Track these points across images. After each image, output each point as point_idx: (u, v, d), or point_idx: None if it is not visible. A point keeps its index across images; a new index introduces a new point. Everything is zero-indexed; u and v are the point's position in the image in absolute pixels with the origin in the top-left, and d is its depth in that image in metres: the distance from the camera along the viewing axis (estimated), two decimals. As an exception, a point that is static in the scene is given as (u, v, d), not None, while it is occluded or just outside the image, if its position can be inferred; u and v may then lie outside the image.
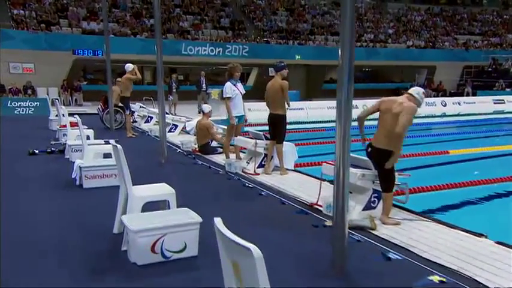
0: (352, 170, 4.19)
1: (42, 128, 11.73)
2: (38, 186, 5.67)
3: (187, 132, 10.33)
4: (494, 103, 22.45)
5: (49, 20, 22.06)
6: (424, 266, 3.24)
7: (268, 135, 6.39)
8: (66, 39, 21.43)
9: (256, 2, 30.66)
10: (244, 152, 7.23)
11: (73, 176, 5.56)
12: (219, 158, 7.56)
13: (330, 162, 4.55)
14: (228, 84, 6.86)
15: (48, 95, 20.48)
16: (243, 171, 6.41)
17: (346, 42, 2.87)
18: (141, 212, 3.53)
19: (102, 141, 7.40)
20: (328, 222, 4.06)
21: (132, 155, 8.01)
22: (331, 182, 4.67)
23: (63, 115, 10.17)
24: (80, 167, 5.42)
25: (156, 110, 12.52)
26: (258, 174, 6.26)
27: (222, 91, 18.01)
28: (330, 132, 14.33)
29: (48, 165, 6.99)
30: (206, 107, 8.10)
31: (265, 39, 27.11)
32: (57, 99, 20.50)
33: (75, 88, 21.28)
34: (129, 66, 10.28)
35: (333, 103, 15.99)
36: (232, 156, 7.04)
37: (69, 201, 5.03)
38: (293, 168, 6.50)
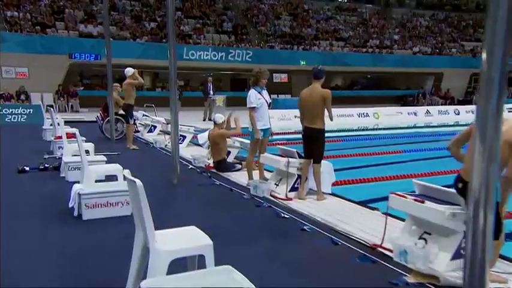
0: (437, 206, 3.23)
1: (35, 138, 10.69)
2: (26, 218, 4.62)
3: (199, 145, 9.31)
4: (509, 111, 21.58)
5: (44, 22, 21.06)
6: None
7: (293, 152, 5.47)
8: (62, 42, 20.43)
9: (258, 6, 29.83)
10: (269, 169, 6.25)
11: (70, 205, 4.52)
12: (239, 177, 6.57)
13: (400, 194, 3.58)
14: (253, 92, 5.89)
15: (42, 101, 19.42)
16: (271, 195, 5.42)
17: (499, 42, 1.90)
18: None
19: (103, 157, 6.38)
20: (411, 278, 3.07)
21: (136, 172, 6.98)
22: (389, 215, 3.71)
23: (58, 124, 9.15)
24: (79, 194, 4.40)
25: (160, 119, 11.57)
26: (291, 199, 5.26)
27: (224, 98, 17.33)
28: (347, 142, 13.63)
29: (40, 187, 5.95)
30: (219, 117, 7.10)
31: (269, 44, 26.21)
32: (52, 105, 19.57)
33: (71, 94, 20.25)
34: (129, 71, 9.30)
35: (344, 111, 14.94)
36: (254, 174, 6.05)
37: (65, 240, 4.01)
38: (330, 192, 5.51)
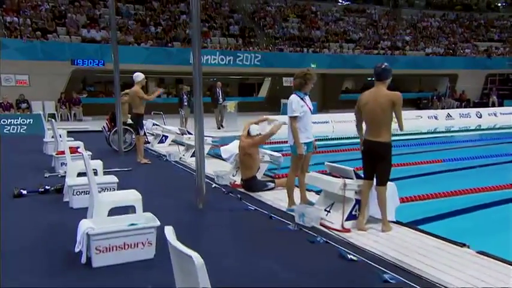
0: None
1: (35, 152, 9.70)
2: (18, 268, 3.59)
3: (221, 158, 8.27)
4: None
5: (45, 27, 20.15)
6: None
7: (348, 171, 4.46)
8: (64, 48, 19.50)
9: (265, 9, 28.92)
10: (312, 190, 5.25)
11: (77, 250, 3.50)
12: (274, 198, 5.57)
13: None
14: (295, 98, 4.90)
15: (44, 109, 18.50)
16: (321, 224, 4.41)
17: None
18: None
19: (114, 178, 5.38)
20: None
21: (153, 193, 5.77)
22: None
23: (60, 136, 8.19)
24: (88, 235, 3.40)
25: (172, 128, 10.62)
26: (349, 230, 4.24)
27: (236, 104, 16.36)
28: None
29: (39, 218, 4.92)
30: (255, 130, 6.09)
31: (278, 47, 25.26)
32: (54, 114, 18.66)
33: (74, 101, 19.30)
34: (138, 76, 8.34)
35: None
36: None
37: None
38: (394, 220, 4.48)
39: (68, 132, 10.22)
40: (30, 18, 20.38)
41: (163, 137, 10.58)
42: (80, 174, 5.68)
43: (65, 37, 20.37)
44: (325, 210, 4.53)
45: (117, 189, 5.28)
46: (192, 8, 5.25)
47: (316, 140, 5.14)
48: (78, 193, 5.16)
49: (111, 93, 22.77)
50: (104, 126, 9.91)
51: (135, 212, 3.94)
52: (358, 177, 4.36)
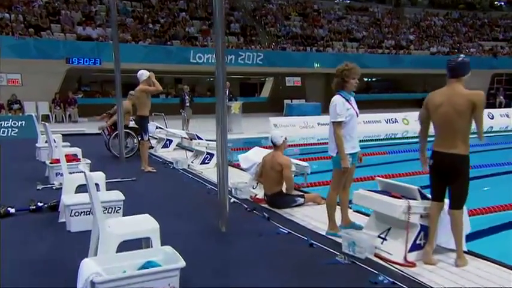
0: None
1: (27, 158, 8.81)
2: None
3: (242, 169, 7.40)
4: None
5: (39, 24, 19.21)
6: None
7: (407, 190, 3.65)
8: (59, 45, 18.58)
9: (266, 7, 28.11)
10: (359, 210, 4.43)
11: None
12: (305, 216, 4.77)
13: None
14: (339, 99, 4.07)
15: (37, 110, 17.59)
16: (376, 256, 3.60)
17: None
18: None
19: (119, 194, 4.53)
20: None
21: (163, 211, 4.80)
22: None
23: (54, 141, 7.32)
24: (94, 283, 2.55)
25: (177, 132, 9.80)
26: (414, 264, 3.42)
27: (240, 105, 15.55)
28: (394, 155, 11.69)
29: (29, 247, 4.05)
30: (278, 136, 5.23)
31: (281, 45, 24.46)
32: (48, 115, 17.75)
33: (70, 102, 18.37)
34: (143, 74, 7.48)
35: (370, 116, 12.98)
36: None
37: None
38: (466, 249, 3.66)
39: (63, 135, 9.37)
40: (23, 15, 19.43)
41: (168, 141, 9.73)
42: (79, 186, 4.84)
43: (59, 34, 19.46)
44: (380, 237, 3.71)
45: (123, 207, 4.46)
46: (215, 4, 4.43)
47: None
48: (77, 214, 4.31)
49: (108, 94, 21.92)
50: (103, 130, 9.05)
51: (148, 245, 3.11)
52: (423, 197, 3.54)
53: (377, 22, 30.50)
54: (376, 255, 3.60)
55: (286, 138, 5.22)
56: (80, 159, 6.70)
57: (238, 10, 26.76)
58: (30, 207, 4.99)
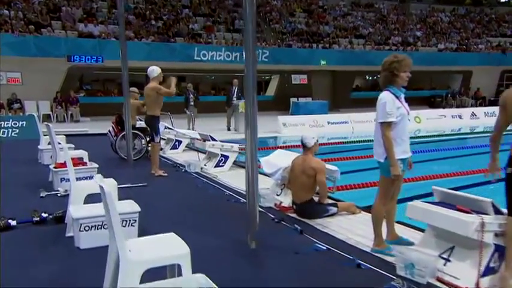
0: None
1: (29, 161, 8.30)
2: None
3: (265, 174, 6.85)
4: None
5: (39, 21, 18.67)
6: None
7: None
8: (60, 43, 18.05)
9: (271, 3, 27.55)
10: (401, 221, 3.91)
11: None
12: (340, 228, 4.26)
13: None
14: (389, 96, 3.54)
15: (38, 110, 17.08)
16: (439, 280, 3.08)
17: None
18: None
19: (135, 206, 4.02)
20: None
21: (181, 222, 4.43)
22: None
23: (59, 143, 6.83)
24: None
25: (187, 131, 9.30)
26: (487, 291, 2.93)
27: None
28: (420, 155, 10.84)
29: (31, 268, 3.53)
30: (309, 137, 4.70)
31: (287, 42, 23.92)
32: (49, 115, 17.25)
33: (71, 101, 17.85)
34: (154, 70, 6.97)
35: None
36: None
37: None
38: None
39: (66, 135, 8.86)
40: (22, 11, 18.89)
41: (177, 142, 9.22)
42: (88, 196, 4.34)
43: (60, 32, 18.92)
44: (441, 257, 3.20)
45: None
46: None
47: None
48: (87, 228, 3.80)
49: (111, 92, 21.41)
50: (109, 131, 8.53)
51: (174, 271, 2.61)
52: (497, 212, 3.03)
53: (383, 18, 29.96)
54: (439, 280, 3.09)
55: (317, 140, 4.69)
56: (86, 162, 6.20)
57: (242, 6, 26.17)
58: (34, 219, 4.47)
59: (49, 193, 5.72)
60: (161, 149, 8.88)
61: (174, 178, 6.91)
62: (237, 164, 7.54)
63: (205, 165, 7.41)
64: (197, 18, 23.72)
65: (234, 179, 6.65)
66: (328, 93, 24.34)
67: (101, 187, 2.56)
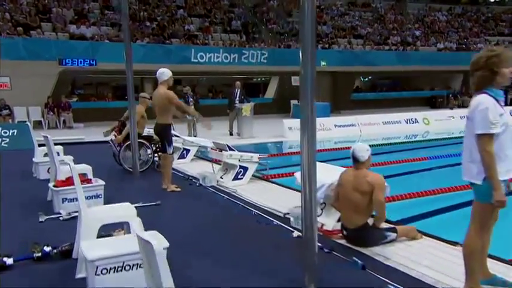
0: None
1: (22, 175, 7.46)
2: None
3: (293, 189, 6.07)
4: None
5: (28, 23, 17.76)
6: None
7: None
8: (50, 45, 17.15)
9: (267, 3, 26.87)
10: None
11: None
12: (408, 261, 3.55)
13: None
14: (489, 100, 2.81)
15: (28, 116, 16.18)
16: None
17: None
18: None
19: (163, 241, 3.27)
20: None
21: (211, 253, 3.61)
22: None
23: (58, 155, 6.04)
24: None
25: (197, 139, 8.55)
26: None
27: (252, 106, 14.31)
28: (436, 161, 10.32)
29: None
30: (363, 149, 3.96)
31: (286, 43, 23.26)
32: (40, 121, 16.34)
33: (63, 106, 16.96)
34: (164, 73, 6.20)
35: (389, 117, 11.60)
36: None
37: None
38: None
39: (60, 144, 8.05)
40: (10, 12, 17.95)
41: (185, 151, 8.45)
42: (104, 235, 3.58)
43: (50, 34, 18.02)
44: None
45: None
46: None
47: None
48: (104, 271, 3.04)
49: (104, 97, 20.54)
50: (112, 140, 7.73)
51: None
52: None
53: (381, 18, 29.48)
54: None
55: (370, 157, 3.98)
56: (91, 179, 5.42)
57: (238, 7, 25.49)
58: (34, 255, 3.68)
59: (49, 217, 4.93)
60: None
61: (189, 194, 6.15)
62: (256, 176, 6.82)
63: (221, 177, 6.66)
64: (193, 19, 22.96)
65: (256, 194, 5.93)
66: (328, 95, 23.70)
67: (148, 242, 1.82)
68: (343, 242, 4.06)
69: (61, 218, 4.88)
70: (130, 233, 3.58)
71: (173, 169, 7.78)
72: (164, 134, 6.10)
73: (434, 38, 28.27)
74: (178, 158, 8.45)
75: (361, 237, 3.90)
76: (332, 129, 15.09)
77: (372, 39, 26.21)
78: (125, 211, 3.59)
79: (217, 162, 7.48)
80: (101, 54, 17.98)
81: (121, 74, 19.43)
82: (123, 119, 7.72)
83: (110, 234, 3.84)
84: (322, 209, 4.57)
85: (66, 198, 5.10)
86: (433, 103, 25.88)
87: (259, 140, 13.59)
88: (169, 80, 6.15)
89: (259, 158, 6.55)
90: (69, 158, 7.05)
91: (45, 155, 7.24)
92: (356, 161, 3.95)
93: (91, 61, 17.81)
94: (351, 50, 24.60)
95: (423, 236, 4.04)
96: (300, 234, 4.28)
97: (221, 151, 6.57)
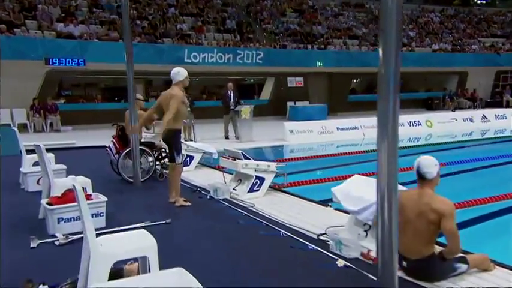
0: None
1: (8, 187, 6.62)
2: None
3: (345, 211, 5.24)
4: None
5: (11, 20, 16.80)
6: None
7: None
8: (36, 44, 16.23)
9: (261, 3, 26.24)
10: None
11: None
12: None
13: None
14: None
15: (12, 119, 15.25)
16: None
17: None
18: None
19: (190, 279, 2.57)
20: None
21: None
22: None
23: (49, 163, 5.27)
24: None
25: (198, 144, 7.86)
26: None
27: (251, 109, 13.62)
28: (453, 166, 8.70)
29: None
30: (431, 164, 3.26)
31: (281, 43, 22.65)
32: (26, 124, 15.43)
33: (50, 109, 16.05)
34: (180, 73, 5.46)
35: None
36: None
37: None
38: None
39: (48, 150, 7.26)
40: (-8, 10, 16.99)
41: (188, 158, 7.72)
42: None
43: (36, 32, 17.08)
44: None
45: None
46: None
47: None
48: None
49: (93, 99, 19.62)
50: (109, 147, 6.96)
51: None
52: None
53: (375, 19, 29.08)
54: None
55: (439, 168, 3.34)
56: (90, 195, 4.68)
57: (231, 6, 24.80)
58: (28, 296, 2.96)
59: (43, 241, 4.18)
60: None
61: (201, 209, 5.43)
62: (274, 188, 6.14)
63: (234, 189, 5.97)
64: (185, 18, 22.20)
65: (277, 209, 5.27)
66: (325, 96, 23.16)
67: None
68: (400, 273, 3.40)
69: (57, 243, 4.13)
70: (145, 267, 2.89)
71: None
72: (173, 141, 5.38)
73: (429, 39, 27.99)
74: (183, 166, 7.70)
75: (427, 270, 3.24)
76: (334, 132, 14.50)
77: (367, 40, 25.78)
78: (142, 242, 2.88)
79: (219, 168, 6.82)
80: (90, 54, 17.14)
81: (111, 74, 18.65)
82: (121, 124, 6.97)
83: (121, 268, 3.13)
84: (366, 231, 3.92)
85: (62, 218, 4.36)
86: (429, 105, 25.54)
87: (259, 144, 12.95)
88: (185, 81, 5.44)
89: (277, 168, 5.87)
90: (61, 168, 6.31)
91: (35, 164, 6.48)
92: (422, 178, 3.29)
93: (79, 61, 16.95)
94: (347, 50, 24.10)
95: (496, 267, 3.42)
96: (345, 263, 3.63)
97: (235, 159, 5.87)
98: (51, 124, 15.90)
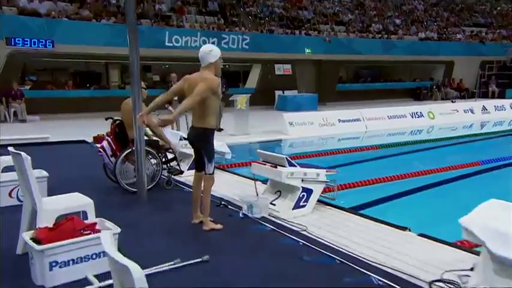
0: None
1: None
2: None
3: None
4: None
5: (-34, -6, 14.64)
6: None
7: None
8: (-4, 22, 14.17)
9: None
10: None
11: None
12: None
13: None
14: None
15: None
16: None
17: None
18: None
19: None
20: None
21: None
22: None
23: (34, 180, 3.78)
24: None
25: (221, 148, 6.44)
26: None
27: (247, 98, 12.05)
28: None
29: None
30: None
31: (268, 28, 21.25)
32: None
33: (14, 95, 14.10)
34: (212, 53, 4.06)
35: (395, 110, 8.38)
36: None
37: None
38: None
39: (17, 145, 5.69)
40: None
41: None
42: None
43: (-5, 8, 14.99)
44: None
45: None
46: None
47: None
48: None
49: (63, 85, 17.59)
50: (103, 147, 5.41)
51: None
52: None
53: (361, 5, 28.08)
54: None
55: None
56: (95, 224, 3.23)
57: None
58: None
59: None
60: (181, 173, 5.93)
61: (238, 234, 4.05)
62: (324, 202, 4.83)
63: (272, 203, 4.62)
64: (164, -2, 20.41)
65: (338, 233, 3.98)
66: (313, 85, 22.01)
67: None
68: None
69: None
70: None
71: (182, 184, 5.67)
72: (203, 144, 3.95)
73: (415, 27, 27.27)
74: (189, 169, 6.25)
75: None
76: (336, 124, 13.34)
77: (354, 27, 24.75)
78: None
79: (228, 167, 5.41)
80: (59, 35, 15.24)
81: (83, 58, 16.56)
82: (118, 119, 5.46)
83: None
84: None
85: (56, 263, 2.91)
86: (417, 95, 24.87)
87: (255, 138, 11.67)
88: (218, 63, 4.02)
89: (327, 178, 4.56)
90: (41, 175, 4.82)
91: (4, 169, 4.93)
92: None
93: (47, 42, 14.99)
94: (334, 37, 22.96)
95: None
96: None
97: (276, 167, 4.49)
98: (15, 113, 13.97)
